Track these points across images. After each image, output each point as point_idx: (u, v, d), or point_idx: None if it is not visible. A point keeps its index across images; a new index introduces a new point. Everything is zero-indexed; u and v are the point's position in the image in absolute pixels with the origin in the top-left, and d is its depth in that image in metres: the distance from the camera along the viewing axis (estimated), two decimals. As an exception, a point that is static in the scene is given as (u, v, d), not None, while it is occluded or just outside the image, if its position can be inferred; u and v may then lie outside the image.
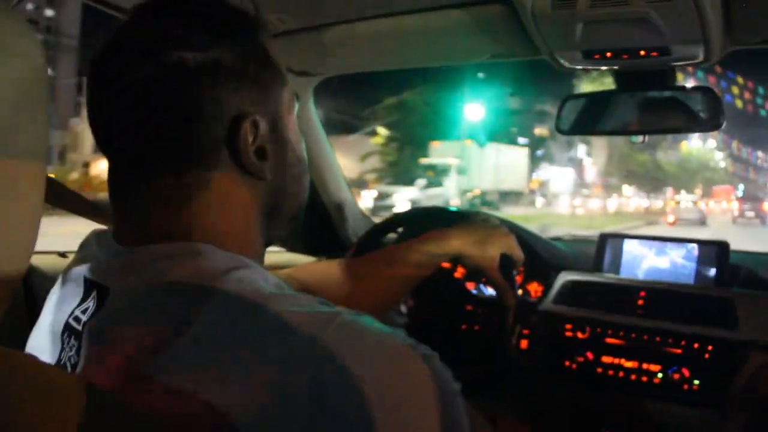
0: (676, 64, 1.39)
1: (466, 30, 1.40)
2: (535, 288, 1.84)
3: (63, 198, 1.13)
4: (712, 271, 1.73)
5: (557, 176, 33.45)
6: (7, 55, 0.53)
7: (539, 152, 30.37)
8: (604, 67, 1.45)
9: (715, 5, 1.14)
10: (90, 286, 0.68)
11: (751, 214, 24.46)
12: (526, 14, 1.25)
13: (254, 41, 0.72)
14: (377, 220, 1.93)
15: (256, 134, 0.69)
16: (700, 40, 1.25)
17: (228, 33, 0.69)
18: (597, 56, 1.35)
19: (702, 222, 23.19)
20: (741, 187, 30.82)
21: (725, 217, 25.80)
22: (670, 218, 24.03)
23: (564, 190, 32.39)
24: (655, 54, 1.31)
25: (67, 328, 0.68)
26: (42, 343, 0.74)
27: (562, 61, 1.41)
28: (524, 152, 32.85)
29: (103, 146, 0.70)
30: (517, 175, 31.51)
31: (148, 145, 0.67)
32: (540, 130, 28.00)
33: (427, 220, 1.58)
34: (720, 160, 31.84)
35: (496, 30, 1.36)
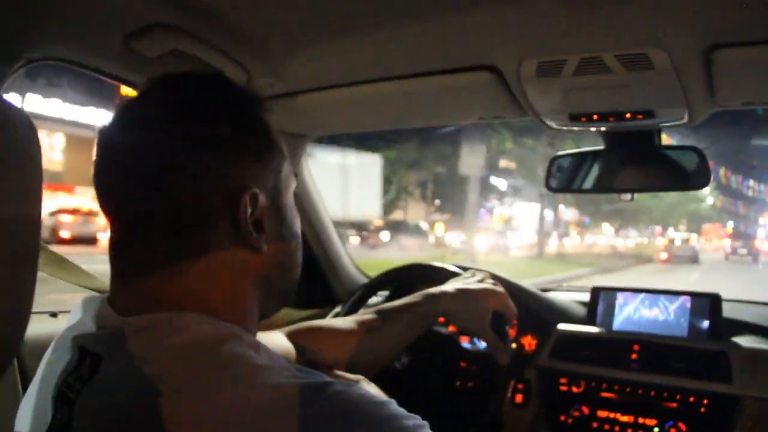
0: (661, 125, 1.41)
1: (455, 94, 1.42)
2: (529, 341, 1.84)
3: (57, 267, 1.14)
4: (706, 324, 1.73)
5: (523, 212, 31.01)
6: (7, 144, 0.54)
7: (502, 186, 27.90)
8: (591, 129, 1.47)
9: (696, 74, 1.16)
10: (83, 354, 0.69)
11: (743, 251, 24.31)
12: (513, 81, 1.27)
13: (255, 117, 0.75)
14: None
15: (255, 207, 0.71)
16: (683, 104, 1.27)
17: (231, 109, 0.73)
18: (584, 119, 1.38)
19: (694, 260, 23.21)
20: (730, 224, 30.14)
21: (717, 254, 25.67)
22: (663, 255, 24.17)
23: (529, 228, 29.43)
24: (640, 117, 1.34)
25: (60, 395, 0.68)
26: (33, 411, 0.74)
27: (549, 123, 1.43)
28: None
29: (105, 211, 0.72)
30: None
31: (148, 211, 0.69)
32: (506, 162, 25.85)
33: (419, 277, 1.59)
34: (707, 195, 30.91)
35: (484, 94, 1.38)
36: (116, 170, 0.70)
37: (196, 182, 0.68)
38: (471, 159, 20.59)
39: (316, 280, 2.15)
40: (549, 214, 29.12)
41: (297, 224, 0.81)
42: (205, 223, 0.69)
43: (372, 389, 1.00)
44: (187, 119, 0.69)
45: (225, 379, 0.59)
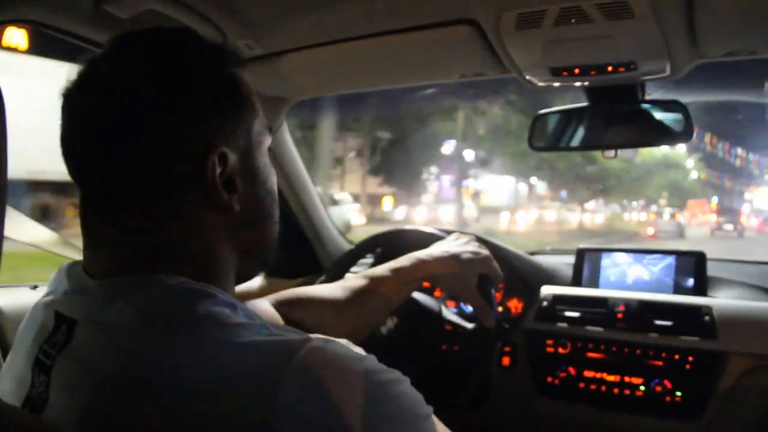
0: (644, 78, 1.39)
1: (435, 50, 1.40)
2: (515, 304, 1.84)
3: (29, 233, 1.12)
4: (691, 282, 1.74)
5: (494, 186, 28.29)
6: None
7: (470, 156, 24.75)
8: (574, 84, 1.45)
9: (678, 21, 1.14)
10: (59, 319, 0.68)
11: (729, 227, 24.24)
12: (492, 34, 1.26)
13: (221, 74, 0.72)
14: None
15: (225, 167, 0.69)
16: (666, 55, 1.25)
17: (196, 66, 0.70)
18: (565, 73, 1.36)
19: (681, 235, 23.41)
20: (714, 199, 29.74)
21: (702, 230, 25.68)
22: (650, 230, 24.35)
23: (501, 203, 27.36)
24: (622, 69, 1.32)
25: (37, 364, 0.68)
26: (12, 379, 0.73)
27: (530, 78, 1.42)
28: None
29: (74, 177, 0.71)
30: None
31: (115, 176, 0.67)
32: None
33: (404, 242, 1.58)
34: (691, 169, 29.84)
35: (464, 50, 1.36)
36: (81, 136, 0.68)
37: (162, 144, 0.66)
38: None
39: (302, 249, 2.13)
40: (522, 187, 27.91)
41: (272, 181, 0.79)
42: (174, 184, 0.67)
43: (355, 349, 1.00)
44: (150, 80, 0.67)
45: (200, 338, 0.59)
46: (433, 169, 24.34)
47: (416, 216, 22.53)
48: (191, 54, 0.71)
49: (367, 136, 21.47)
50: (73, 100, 0.69)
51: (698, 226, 26.99)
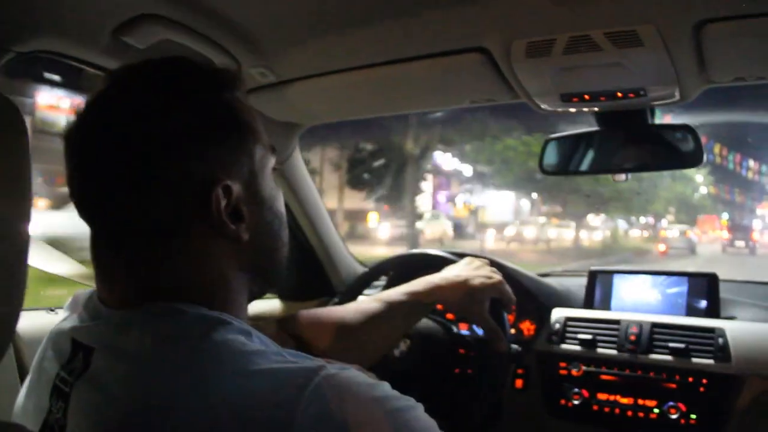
0: (653, 104, 1.40)
1: (446, 77, 1.41)
2: (527, 326, 1.84)
3: (49, 260, 1.14)
4: (703, 303, 1.73)
5: (494, 202, 26.75)
6: None
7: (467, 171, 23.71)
8: (584, 109, 1.47)
9: (686, 49, 1.16)
10: (76, 347, 0.69)
11: (741, 243, 23.81)
12: (503, 62, 1.27)
13: (218, 102, 0.72)
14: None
15: (230, 198, 0.70)
16: (675, 81, 1.26)
17: (190, 96, 0.70)
18: (575, 99, 1.37)
19: (692, 251, 23.21)
20: (725, 215, 28.97)
21: (713, 246, 25.31)
22: (662, 247, 24.18)
23: (501, 219, 25.67)
24: (632, 95, 1.33)
25: (55, 390, 0.68)
26: (30, 405, 0.74)
27: (541, 104, 1.43)
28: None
29: (82, 216, 0.71)
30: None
31: (120, 216, 0.68)
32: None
33: (417, 265, 1.58)
34: (700, 185, 28.35)
35: (475, 77, 1.38)
36: (84, 177, 0.69)
37: (165, 178, 0.66)
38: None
39: (315, 272, 2.14)
40: (525, 203, 26.80)
41: (278, 204, 0.79)
42: (181, 221, 0.68)
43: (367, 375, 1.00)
44: (144, 120, 0.67)
45: (217, 367, 0.59)
46: (426, 184, 23.14)
47: (396, 232, 21.29)
48: (187, 83, 0.71)
49: (346, 145, 20.17)
50: (73, 140, 0.70)
51: (709, 242, 26.60)
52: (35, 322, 1.41)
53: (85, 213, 0.71)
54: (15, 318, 0.60)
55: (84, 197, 0.70)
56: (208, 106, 0.71)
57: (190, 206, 0.68)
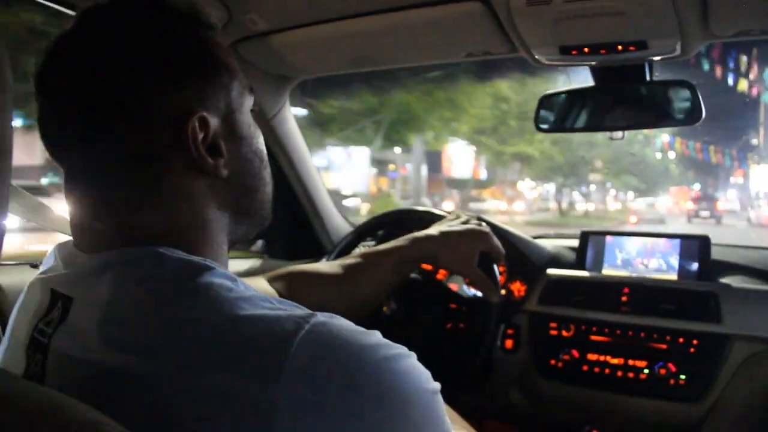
0: (653, 58, 1.38)
1: (443, 28, 1.38)
2: (518, 287, 1.83)
3: (28, 209, 1.11)
4: (695, 266, 1.73)
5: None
6: None
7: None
8: (582, 63, 1.44)
9: None
10: (54, 297, 0.67)
11: (705, 213, 24.27)
12: (502, 11, 1.24)
13: (192, 38, 0.70)
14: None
15: (207, 131, 0.68)
16: (677, 33, 1.24)
17: (164, 32, 0.68)
18: (574, 52, 1.34)
19: (661, 221, 23.75)
20: (696, 186, 28.97)
21: (682, 217, 25.64)
22: (633, 218, 24.60)
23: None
24: (632, 48, 1.30)
25: (33, 342, 0.66)
26: (7, 358, 0.72)
27: (539, 57, 1.40)
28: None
29: (54, 156, 0.69)
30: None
31: (94, 152, 0.65)
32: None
33: (406, 223, 1.57)
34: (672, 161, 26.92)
35: (472, 27, 1.35)
36: (56, 115, 0.67)
37: (137, 115, 0.65)
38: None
39: (303, 231, 2.12)
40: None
41: (258, 142, 0.78)
42: (156, 155, 0.66)
43: None
44: (118, 52, 0.65)
45: (202, 312, 0.57)
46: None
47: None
48: (160, 20, 0.69)
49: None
50: (44, 79, 0.68)
51: (680, 214, 26.94)
52: (18, 276, 1.38)
53: (57, 153, 0.69)
54: None
55: (56, 137, 0.68)
56: (181, 40, 0.69)
57: (166, 140, 0.66)
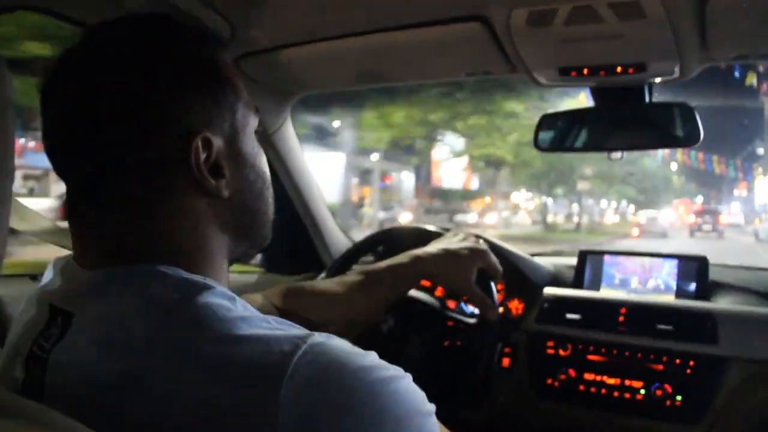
0: (653, 80, 1.39)
1: (444, 47, 1.39)
2: (516, 305, 1.83)
3: (29, 223, 1.11)
4: (693, 286, 1.74)
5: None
6: None
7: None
8: (581, 84, 1.45)
9: (689, 23, 1.14)
10: (54, 312, 0.67)
11: (707, 227, 24.13)
12: (502, 32, 1.25)
13: (199, 57, 0.71)
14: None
15: (210, 152, 0.68)
16: (675, 56, 1.25)
17: (172, 49, 0.69)
18: (574, 73, 1.35)
19: (664, 234, 23.55)
20: (699, 198, 28.44)
21: (685, 231, 25.39)
22: (635, 231, 24.42)
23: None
24: (631, 71, 1.32)
25: (32, 357, 0.66)
26: (7, 372, 0.71)
27: (539, 78, 1.41)
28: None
29: (57, 170, 0.70)
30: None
31: (97, 166, 0.66)
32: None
33: (405, 240, 1.57)
34: (673, 173, 26.81)
35: (473, 47, 1.36)
36: (61, 128, 0.67)
37: (144, 131, 0.65)
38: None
39: (303, 246, 2.13)
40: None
41: (261, 164, 0.78)
42: (159, 173, 0.66)
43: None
44: (126, 66, 0.66)
45: (200, 331, 0.58)
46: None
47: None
48: (167, 36, 0.70)
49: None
50: (50, 92, 0.68)
51: (682, 227, 26.73)
52: (18, 288, 1.38)
53: (61, 168, 0.69)
54: None
55: (60, 151, 0.68)
56: (188, 59, 0.70)
57: (169, 159, 0.66)
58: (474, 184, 28.02)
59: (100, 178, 0.66)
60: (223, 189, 0.70)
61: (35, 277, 1.52)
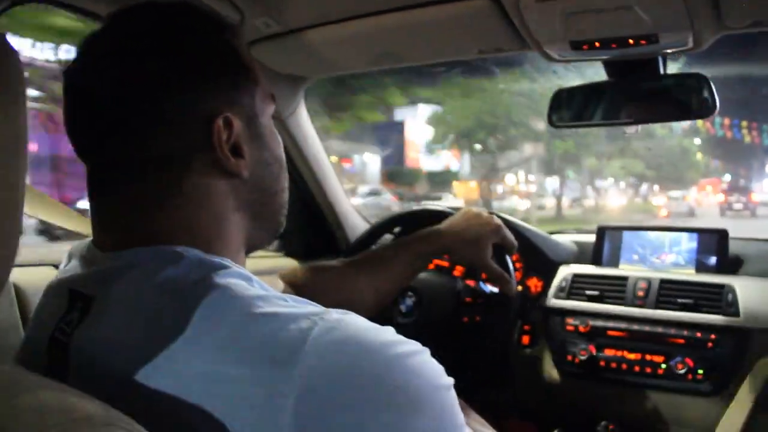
0: (666, 51, 1.37)
1: (453, 25, 1.39)
2: (534, 283, 1.83)
3: (42, 207, 1.13)
4: (713, 259, 1.72)
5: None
6: None
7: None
8: (594, 58, 1.43)
9: None
10: (74, 296, 0.68)
11: (739, 206, 23.28)
12: (511, 7, 1.24)
13: (220, 42, 0.72)
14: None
15: (230, 132, 0.70)
16: (688, 26, 1.23)
17: (195, 35, 0.71)
18: (585, 47, 1.34)
19: (691, 214, 23.03)
20: (727, 177, 26.93)
21: (713, 210, 24.53)
22: (664, 212, 23.87)
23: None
24: (643, 42, 1.29)
25: (53, 342, 0.68)
26: (31, 357, 0.73)
27: (550, 53, 1.40)
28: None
29: (80, 154, 0.71)
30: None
31: (120, 149, 0.67)
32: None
33: (423, 220, 1.58)
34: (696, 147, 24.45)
35: (482, 25, 1.35)
36: (85, 112, 0.69)
37: (167, 114, 0.67)
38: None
39: (320, 230, 2.13)
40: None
41: (278, 148, 0.80)
42: (181, 153, 0.68)
43: None
44: (149, 53, 0.67)
45: (218, 310, 0.58)
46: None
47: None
48: (188, 23, 0.72)
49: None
50: (74, 77, 0.70)
51: (709, 207, 25.89)
52: (39, 277, 1.40)
53: (83, 150, 0.71)
54: (10, 261, 0.58)
55: (83, 133, 0.70)
56: (210, 43, 0.71)
57: (192, 138, 0.68)
58: (457, 165, 24.75)
59: (122, 160, 0.68)
60: (243, 168, 0.71)
61: (57, 266, 1.54)
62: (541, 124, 16.94)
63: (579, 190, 24.79)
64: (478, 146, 20.86)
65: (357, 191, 18.92)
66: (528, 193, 24.12)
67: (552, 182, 24.28)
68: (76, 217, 1.14)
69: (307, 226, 2.10)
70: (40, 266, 1.49)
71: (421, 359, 0.59)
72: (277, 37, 1.50)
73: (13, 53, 0.56)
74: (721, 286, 1.59)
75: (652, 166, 24.22)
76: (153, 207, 0.68)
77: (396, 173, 22.54)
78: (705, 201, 26.08)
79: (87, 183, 0.71)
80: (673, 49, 1.34)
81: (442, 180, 23.74)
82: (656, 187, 27.50)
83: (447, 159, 23.97)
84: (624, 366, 1.61)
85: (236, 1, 1.33)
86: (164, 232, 0.67)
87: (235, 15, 1.38)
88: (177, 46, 0.69)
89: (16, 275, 1.38)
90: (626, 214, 23.56)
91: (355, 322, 0.59)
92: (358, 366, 0.55)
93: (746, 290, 1.56)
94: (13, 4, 1.19)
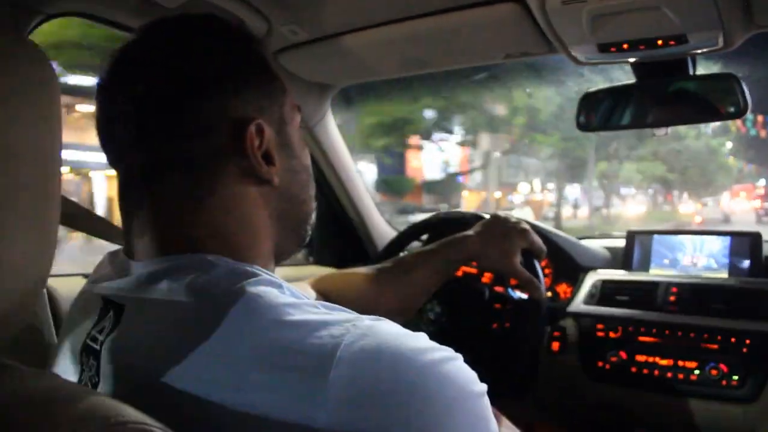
0: (695, 52, 1.35)
1: (480, 30, 1.39)
2: (564, 289, 1.82)
3: (77, 217, 1.15)
4: (746, 263, 1.69)
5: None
6: (21, 84, 0.54)
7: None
8: (622, 60, 1.42)
9: None
10: (106, 304, 0.69)
11: None
12: (538, 11, 1.24)
13: (250, 52, 0.74)
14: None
15: (262, 139, 0.71)
16: (718, 26, 1.21)
17: (226, 46, 0.72)
18: (613, 49, 1.33)
19: (726, 220, 22.49)
20: (762, 182, 25.87)
21: (748, 216, 23.81)
22: (698, 219, 23.36)
23: None
24: (672, 43, 1.28)
25: (86, 349, 0.69)
26: (63, 365, 0.74)
27: (578, 56, 1.39)
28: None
29: (112, 162, 0.72)
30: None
31: (153, 157, 0.68)
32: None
33: (450, 226, 1.57)
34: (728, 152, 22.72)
35: (509, 29, 1.34)
36: (118, 120, 0.69)
37: (200, 122, 0.68)
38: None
39: (348, 238, 2.14)
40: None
41: (306, 157, 0.81)
42: (213, 161, 0.69)
43: None
44: (184, 60, 0.69)
45: (250, 318, 0.59)
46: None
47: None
48: (218, 33, 0.73)
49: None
50: (107, 86, 0.71)
51: (743, 213, 25.10)
52: (72, 286, 1.42)
53: (115, 158, 0.72)
54: (47, 270, 0.59)
55: (116, 141, 0.71)
56: (241, 55, 0.73)
57: (224, 144, 0.69)
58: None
59: (154, 169, 0.68)
60: (274, 176, 0.72)
61: (87, 275, 1.56)
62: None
63: (602, 198, 23.23)
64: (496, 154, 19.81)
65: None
66: (541, 202, 22.92)
67: (572, 190, 23.04)
68: (108, 226, 1.15)
69: (335, 234, 2.11)
70: (72, 276, 1.52)
71: (454, 366, 0.59)
72: (304, 45, 1.52)
73: (54, 75, 0.57)
74: (756, 291, 1.56)
75: (675, 169, 22.37)
76: (185, 214, 0.68)
77: (385, 182, 19.90)
78: (739, 208, 25.21)
79: (118, 193, 0.72)
80: (703, 49, 1.33)
81: (442, 190, 21.45)
82: (685, 195, 26.36)
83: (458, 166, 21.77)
84: (656, 372, 1.59)
85: (263, 10, 1.35)
86: (196, 239, 0.68)
87: (263, 24, 1.39)
88: (208, 54, 0.70)
89: (49, 283, 1.41)
90: (647, 224, 22.21)
91: (388, 329, 0.59)
92: (391, 373, 0.55)
93: None
94: (48, 18, 1.21)
